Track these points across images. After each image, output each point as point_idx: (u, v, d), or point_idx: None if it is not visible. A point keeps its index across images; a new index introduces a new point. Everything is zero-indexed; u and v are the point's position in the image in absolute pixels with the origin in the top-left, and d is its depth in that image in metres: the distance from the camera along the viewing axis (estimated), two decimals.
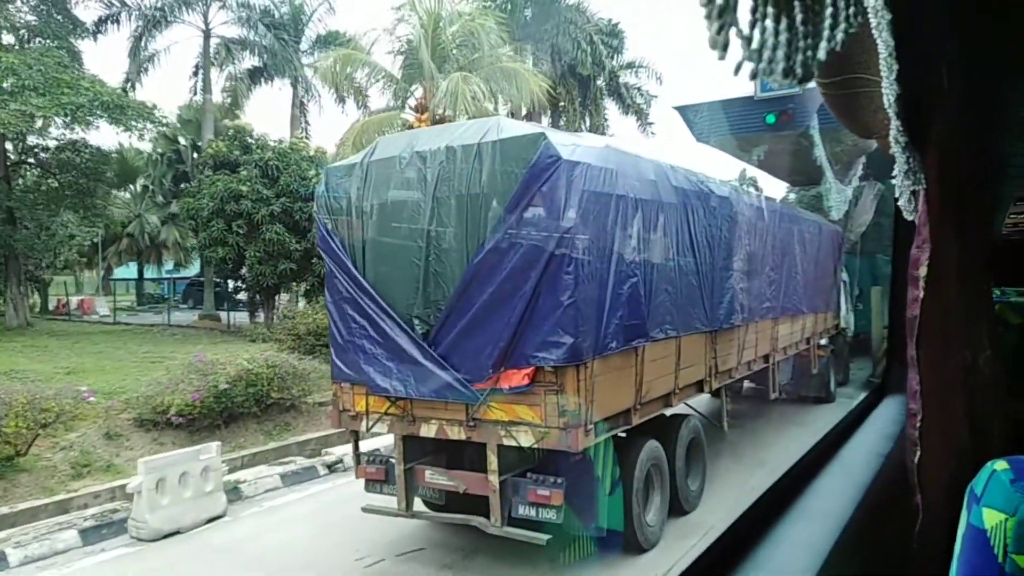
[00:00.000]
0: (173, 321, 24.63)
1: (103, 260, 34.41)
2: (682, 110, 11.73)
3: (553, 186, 5.00)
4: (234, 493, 8.12)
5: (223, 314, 25.49)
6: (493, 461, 5.36)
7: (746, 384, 10.96)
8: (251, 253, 18.06)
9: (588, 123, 28.93)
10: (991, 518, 0.65)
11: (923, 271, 0.96)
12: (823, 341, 12.52)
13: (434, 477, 5.87)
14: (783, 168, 14.09)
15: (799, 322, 11.03)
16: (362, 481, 6.28)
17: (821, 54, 0.59)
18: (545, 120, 29.39)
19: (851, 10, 0.61)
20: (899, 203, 0.93)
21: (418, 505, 6.33)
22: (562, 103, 27.86)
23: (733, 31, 0.57)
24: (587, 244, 5.18)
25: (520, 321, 5.12)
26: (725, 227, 7.81)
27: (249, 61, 27.15)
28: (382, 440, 9.69)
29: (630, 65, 29.45)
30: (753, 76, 0.59)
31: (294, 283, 20.42)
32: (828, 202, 12.55)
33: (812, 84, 0.60)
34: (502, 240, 5.19)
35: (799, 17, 0.59)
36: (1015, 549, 0.63)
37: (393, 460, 6.04)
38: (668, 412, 6.88)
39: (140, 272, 37.60)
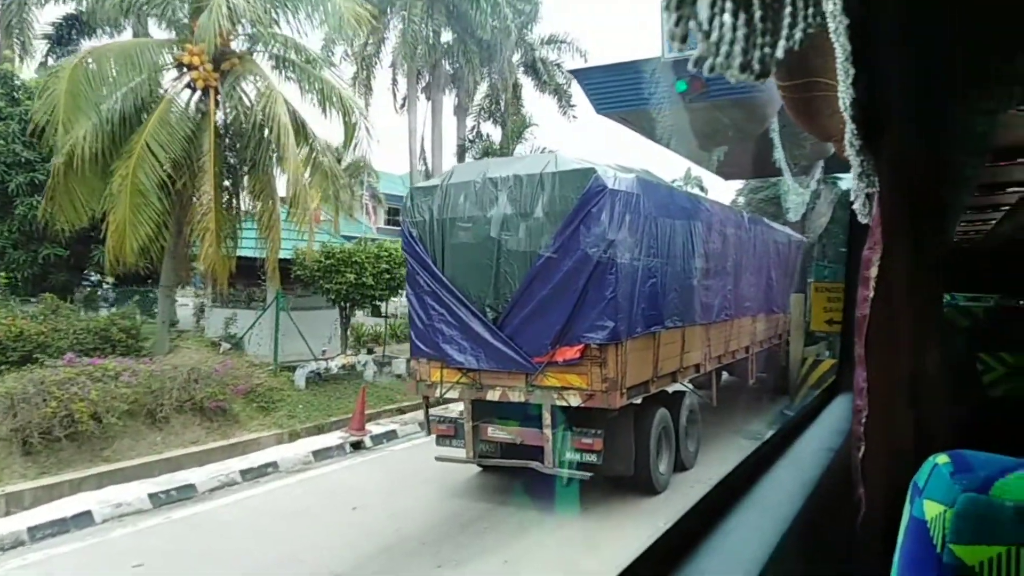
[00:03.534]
0: None
1: None
2: (578, 74, 10.37)
3: (600, 208, 6.64)
4: None
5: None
6: (547, 418, 6.96)
7: (724, 375, 12.75)
8: (1, 234, 13.61)
9: (503, 102, 24.99)
10: (931, 510, 0.67)
11: (874, 272, 0.97)
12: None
13: (496, 432, 7.46)
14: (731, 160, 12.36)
15: (772, 319, 12.87)
16: None
17: (779, 52, 0.61)
18: (451, 98, 25.15)
19: (810, 11, 0.63)
20: (854, 206, 0.94)
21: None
22: (467, 76, 24.01)
23: (692, 23, 0.58)
24: (623, 252, 6.83)
25: (573, 310, 6.74)
26: (716, 238, 9.55)
27: (63, 8, 17.88)
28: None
29: (551, 40, 25.89)
30: (711, 70, 0.60)
31: (82, 271, 15.47)
32: (786, 203, 12.76)
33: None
34: (559, 248, 6.80)
35: (758, 14, 0.60)
36: (952, 539, 0.65)
37: (461, 420, 7.60)
38: (671, 389, 8.57)
39: None
